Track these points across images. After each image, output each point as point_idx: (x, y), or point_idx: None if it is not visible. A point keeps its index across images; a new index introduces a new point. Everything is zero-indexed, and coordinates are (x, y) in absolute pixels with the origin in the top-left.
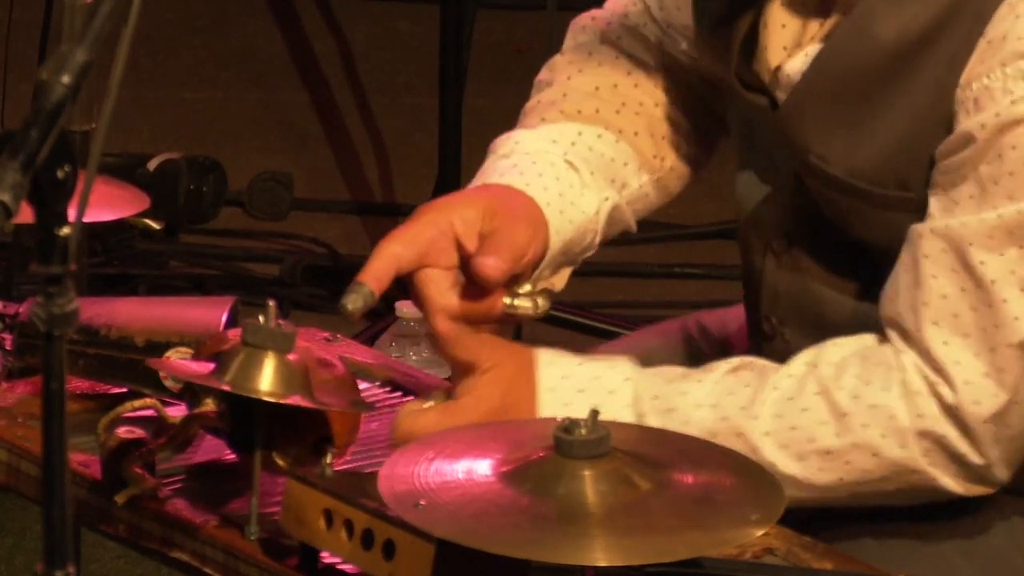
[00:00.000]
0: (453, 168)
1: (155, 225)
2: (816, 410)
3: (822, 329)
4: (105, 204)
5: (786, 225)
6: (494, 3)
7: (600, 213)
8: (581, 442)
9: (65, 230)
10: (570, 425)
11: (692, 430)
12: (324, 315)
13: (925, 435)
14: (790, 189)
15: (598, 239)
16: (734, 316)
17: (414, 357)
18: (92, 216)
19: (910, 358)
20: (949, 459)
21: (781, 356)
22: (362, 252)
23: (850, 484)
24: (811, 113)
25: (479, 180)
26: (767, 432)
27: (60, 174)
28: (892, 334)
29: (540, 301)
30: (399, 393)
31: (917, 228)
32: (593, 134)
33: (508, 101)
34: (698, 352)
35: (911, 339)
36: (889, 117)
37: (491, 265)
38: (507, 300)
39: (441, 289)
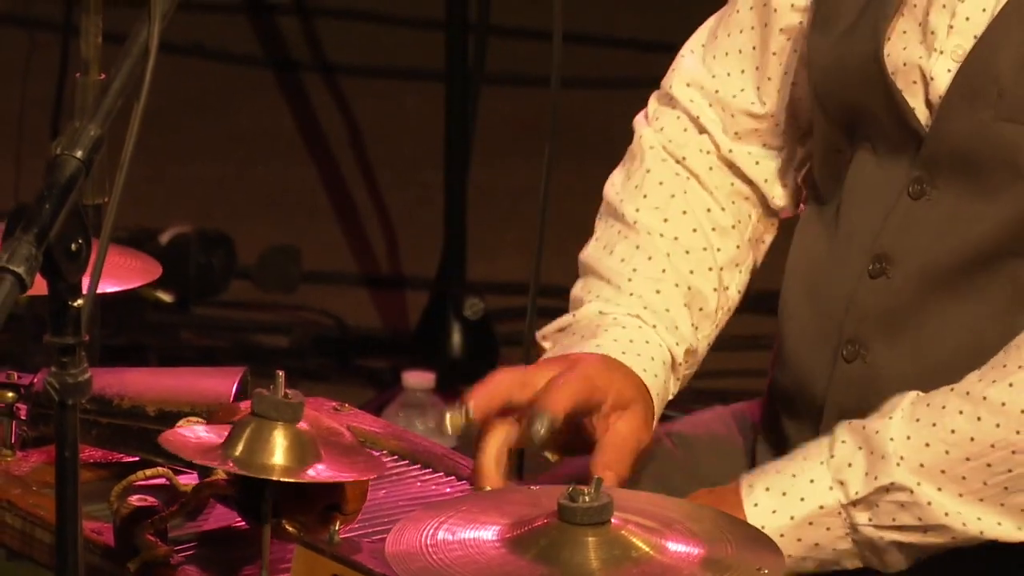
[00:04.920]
0: (458, 242)
1: (167, 297)
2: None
3: (917, 345)
4: (117, 276)
5: (886, 242)
6: (498, 80)
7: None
8: (584, 509)
9: (78, 301)
10: (574, 493)
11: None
12: (332, 385)
13: None
14: (900, 191)
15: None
16: (708, 419)
17: (420, 427)
18: (104, 287)
19: None
20: None
21: (861, 379)
22: (369, 323)
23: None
24: (1004, 48)
25: (584, 340)
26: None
27: (73, 247)
28: None
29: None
30: (406, 462)
31: None
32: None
33: (512, 177)
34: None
35: None
36: None
37: (608, 477)
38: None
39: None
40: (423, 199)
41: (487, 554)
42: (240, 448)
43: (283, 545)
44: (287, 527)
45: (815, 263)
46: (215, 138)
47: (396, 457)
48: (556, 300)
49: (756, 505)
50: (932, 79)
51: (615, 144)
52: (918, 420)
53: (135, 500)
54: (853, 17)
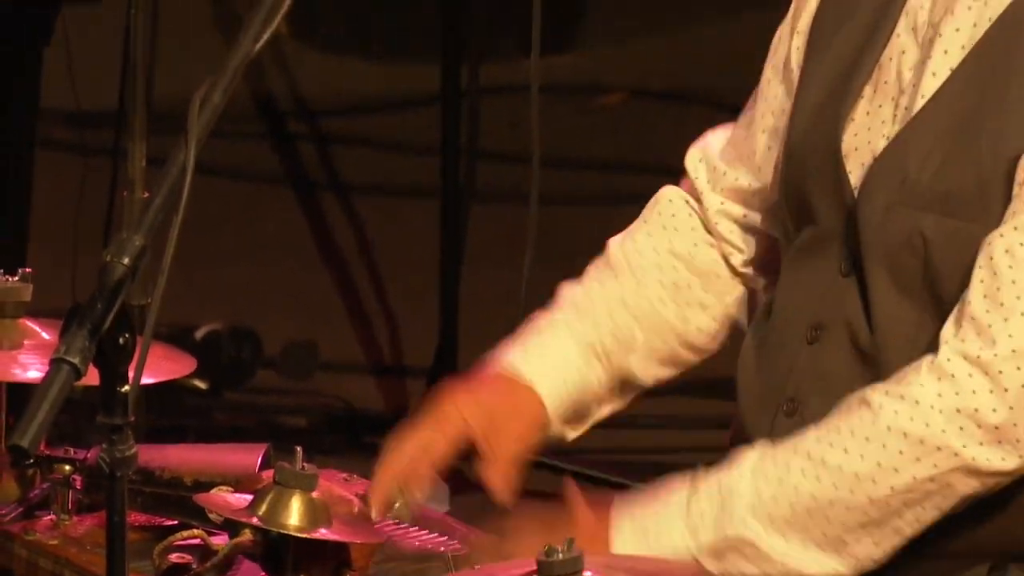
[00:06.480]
0: (451, 337)
1: (201, 385)
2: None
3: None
4: (159, 367)
5: (822, 313)
6: (485, 198)
7: (602, 387)
8: (560, 562)
9: (125, 388)
10: (549, 550)
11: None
12: (343, 459)
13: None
14: (834, 272)
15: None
16: None
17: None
18: (148, 377)
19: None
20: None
21: (797, 431)
22: (375, 407)
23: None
24: (914, 143)
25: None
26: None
27: (121, 340)
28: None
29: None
30: (406, 524)
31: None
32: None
33: (497, 280)
34: None
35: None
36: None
37: (499, 488)
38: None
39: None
40: (421, 299)
41: None
42: (263, 509)
43: None
44: None
45: (762, 331)
46: (243, 247)
47: (397, 521)
48: None
49: (620, 532)
50: (865, 165)
51: (585, 254)
52: (766, 476)
53: (174, 557)
54: (821, 96)
